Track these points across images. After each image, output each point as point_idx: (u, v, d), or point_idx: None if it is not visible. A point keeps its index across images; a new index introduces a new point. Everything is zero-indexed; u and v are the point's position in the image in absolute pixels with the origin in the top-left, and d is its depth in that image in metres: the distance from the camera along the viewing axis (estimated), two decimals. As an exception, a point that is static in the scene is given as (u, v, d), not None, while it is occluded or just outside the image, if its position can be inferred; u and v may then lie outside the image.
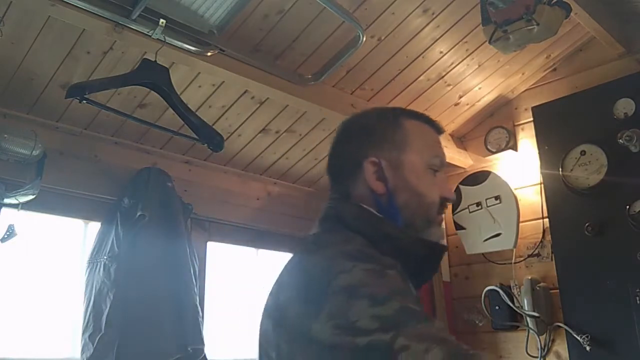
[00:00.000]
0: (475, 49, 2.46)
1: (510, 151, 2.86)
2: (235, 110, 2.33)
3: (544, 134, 2.70)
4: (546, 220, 2.66)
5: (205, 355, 2.13)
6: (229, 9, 1.88)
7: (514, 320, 2.67)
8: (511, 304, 2.65)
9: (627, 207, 2.34)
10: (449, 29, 2.30)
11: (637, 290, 2.27)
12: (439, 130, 1.10)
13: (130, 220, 2.08)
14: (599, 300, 2.37)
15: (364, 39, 2.09)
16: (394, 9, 2.12)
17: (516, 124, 2.91)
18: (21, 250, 1.98)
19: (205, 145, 2.00)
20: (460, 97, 2.77)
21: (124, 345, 1.93)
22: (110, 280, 2.00)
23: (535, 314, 2.54)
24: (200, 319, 2.16)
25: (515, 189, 2.79)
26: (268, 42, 2.09)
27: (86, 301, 2.02)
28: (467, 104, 2.85)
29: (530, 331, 2.58)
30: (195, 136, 1.98)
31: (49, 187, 2.02)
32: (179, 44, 1.85)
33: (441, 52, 2.42)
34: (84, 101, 1.73)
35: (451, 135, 3.01)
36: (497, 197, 2.76)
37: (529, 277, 2.63)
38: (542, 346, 2.55)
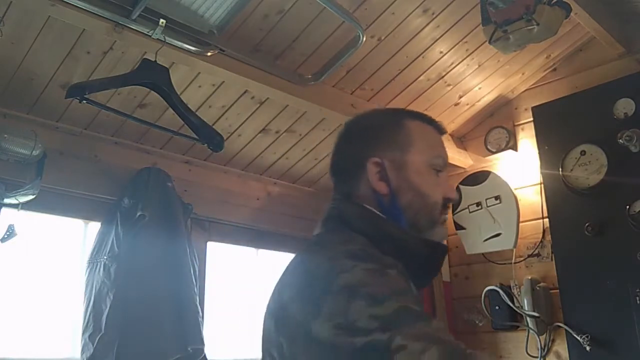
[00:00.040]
0: (475, 49, 2.46)
1: (510, 151, 2.85)
2: (235, 110, 2.32)
3: (544, 134, 2.70)
4: (546, 220, 2.66)
5: (205, 355, 2.13)
6: (229, 9, 1.88)
7: (514, 320, 2.67)
8: (511, 304, 2.65)
9: (627, 207, 2.33)
10: (449, 29, 2.30)
11: (637, 290, 2.27)
12: (441, 130, 1.11)
13: (130, 220, 2.08)
14: (599, 300, 2.37)
15: (364, 39, 2.09)
16: (394, 9, 2.12)
17: (516, 124, 2.91)
18: (21, 250, 1.98)
19: (205, 145, 1.99)
20: (460, 97, 2.77)
21: (124, 345, 1.93)
22: (110, 280, 2.00)
23: (535, 314, 2.54)
24: (200, 319, 2.15)
25: (515, 189, 2.78)
26: (268, 42, 2.09)
27: (86, 301, 2.02)
28: (467, 104, 2.85)
29: (530, 331, 2.58)
30: (195, 136, 1.97)
31: (49, 187, 2.02)
32: (179, 44, 1.85)
33: (441, 52, 2.42)
34: (84, 101, 1.73)
35: (451, 135, 3.01)
36: (497, 197, 2.76)
37: (529, 277, 2.63)
38: (542, 346, 2.55)
